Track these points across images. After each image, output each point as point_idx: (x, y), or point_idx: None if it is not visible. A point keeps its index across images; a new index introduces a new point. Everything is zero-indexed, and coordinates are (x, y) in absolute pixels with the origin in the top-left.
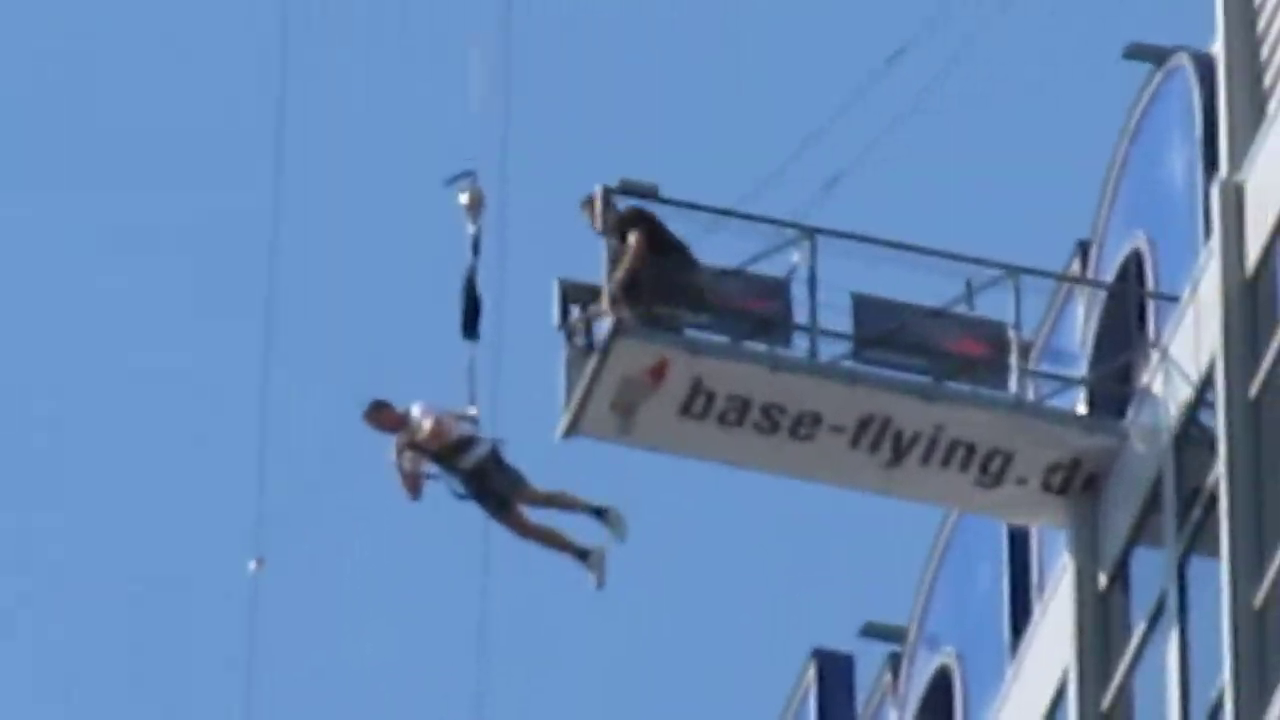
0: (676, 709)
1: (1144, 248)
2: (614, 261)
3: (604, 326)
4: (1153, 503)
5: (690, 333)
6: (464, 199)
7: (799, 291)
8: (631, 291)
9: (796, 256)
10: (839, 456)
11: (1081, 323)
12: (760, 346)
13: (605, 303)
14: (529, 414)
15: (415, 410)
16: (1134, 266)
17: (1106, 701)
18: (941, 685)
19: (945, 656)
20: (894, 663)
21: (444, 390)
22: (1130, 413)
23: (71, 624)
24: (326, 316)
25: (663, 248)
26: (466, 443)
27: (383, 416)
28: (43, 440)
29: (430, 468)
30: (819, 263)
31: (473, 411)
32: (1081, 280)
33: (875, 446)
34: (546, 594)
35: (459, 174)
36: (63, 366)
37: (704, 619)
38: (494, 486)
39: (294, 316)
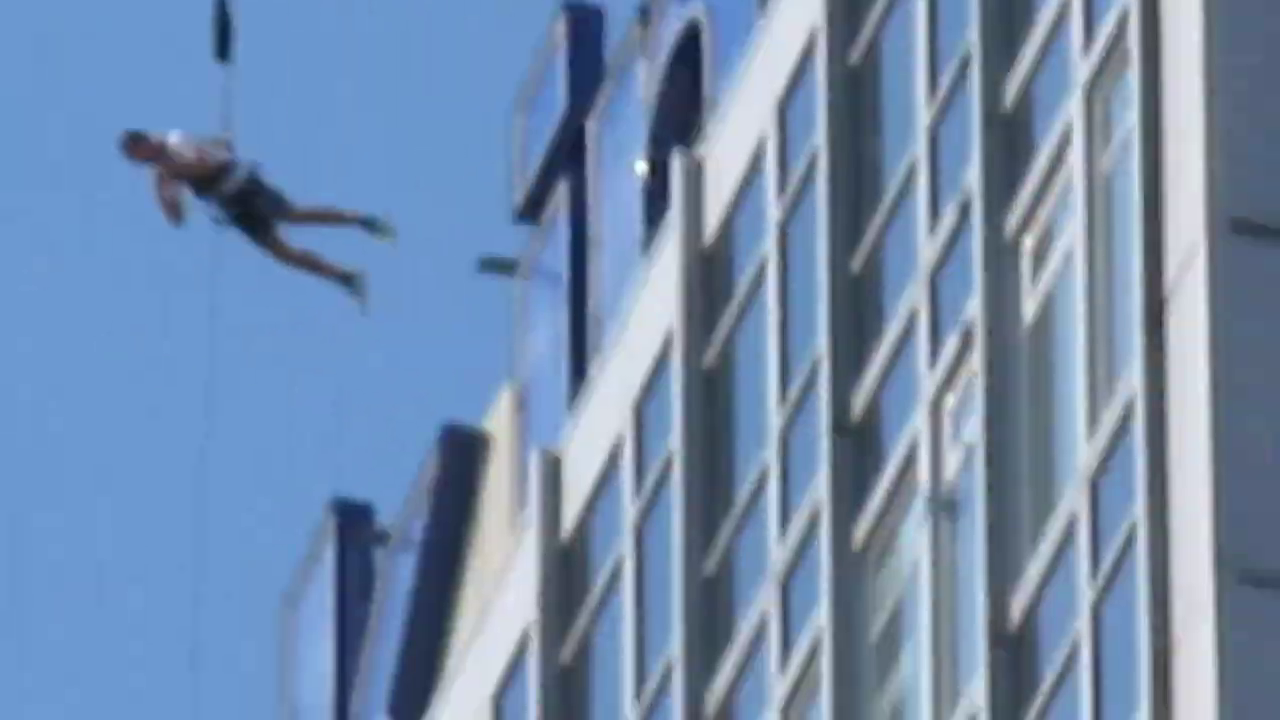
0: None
1: None
2: None
3: None
4: None
5: None
6: None
7: None
8: None
9: None
10: None
11: None
12: None
13: None
14: None
15: (172, 139)
16: None
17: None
18: (691, 38)
19: (695, 11)
20: (644, 16)
21: (198, 117)
22: None
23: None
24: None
25: None
26: (226, 168)
27: (139, 148)
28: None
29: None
30: None
31: (227, 135)
32: None
33: None
34: None
35: None
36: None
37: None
38: (256, 210)
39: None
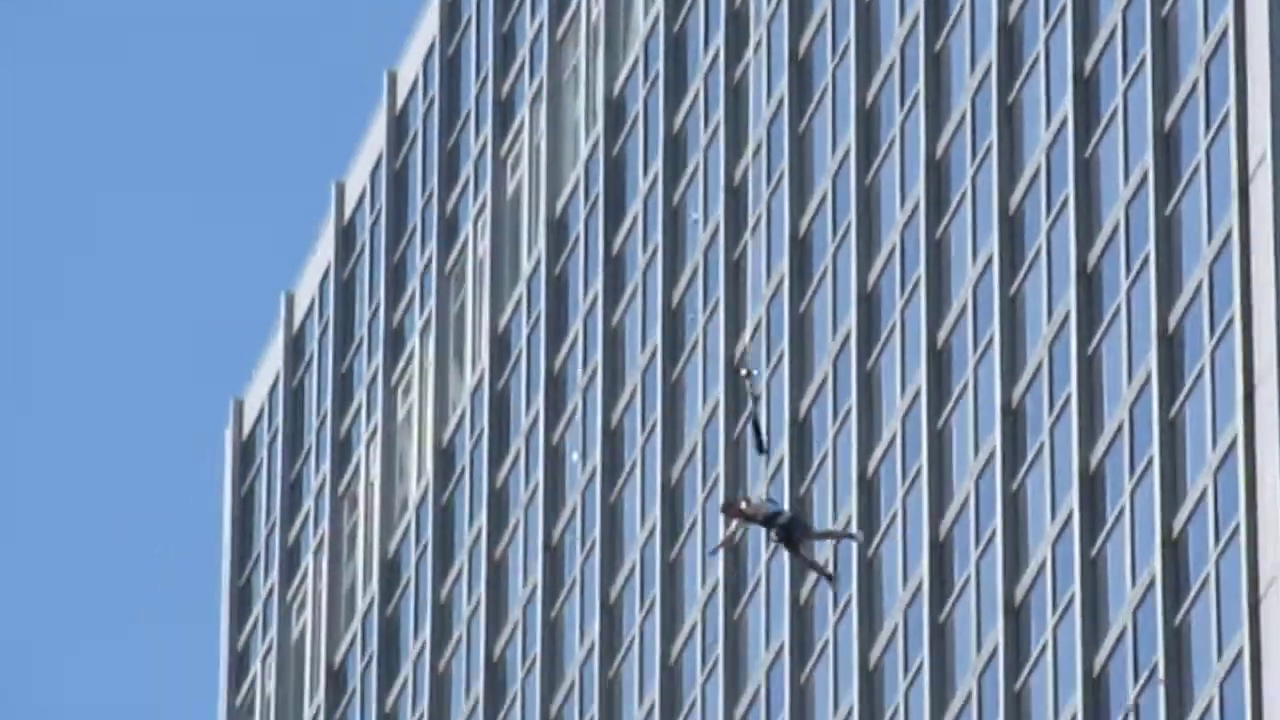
0: None
1: None
2: None
3: None
4: None
5: None
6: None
7: None
8: None
9: None
10: None
11: None
12: None
13: None
14: None
15: (743, 504)
16: None
17: None
18: None
19: None
20: None
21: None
22: None
23: None
24: None
25: None
26: (776, 514)
27: (733, 510)
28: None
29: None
30: None
31: (774, 499)
32: None
33: None
34: None
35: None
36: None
37: None
38: (793, 536)
39: None
